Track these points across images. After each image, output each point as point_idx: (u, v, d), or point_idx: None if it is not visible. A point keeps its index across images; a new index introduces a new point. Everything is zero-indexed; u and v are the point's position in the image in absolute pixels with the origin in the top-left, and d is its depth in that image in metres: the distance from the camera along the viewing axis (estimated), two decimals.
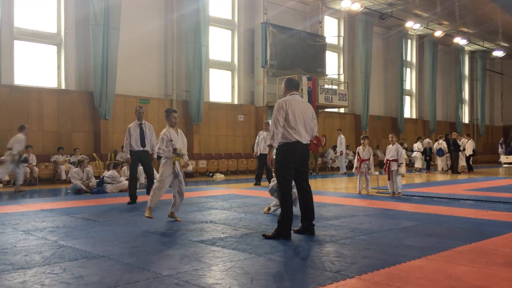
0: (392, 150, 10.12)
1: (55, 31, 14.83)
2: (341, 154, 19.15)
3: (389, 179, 10.08)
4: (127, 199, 8.85)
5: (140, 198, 8.98)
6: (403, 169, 10.13)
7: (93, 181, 11.16)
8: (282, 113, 5.42)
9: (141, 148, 8.87)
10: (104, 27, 14.60)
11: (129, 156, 8.82)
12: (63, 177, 13.60)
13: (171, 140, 6.57)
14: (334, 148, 21.15)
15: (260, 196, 9.81)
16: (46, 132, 14.27)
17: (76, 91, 14.93)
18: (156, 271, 3.95)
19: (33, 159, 13.32)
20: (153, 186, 6.58)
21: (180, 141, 6.72)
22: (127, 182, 11.29)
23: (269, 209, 7.39)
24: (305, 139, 5.53)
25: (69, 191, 11.10)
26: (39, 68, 14.61)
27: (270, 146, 5.53)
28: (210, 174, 16.92)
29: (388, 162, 10.10)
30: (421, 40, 28.18)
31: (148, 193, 8.59)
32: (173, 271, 3.95)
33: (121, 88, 15.37)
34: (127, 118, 14.97)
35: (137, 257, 4.47)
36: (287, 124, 5.42)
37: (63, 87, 14.82)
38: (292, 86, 5.71)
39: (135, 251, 4.71)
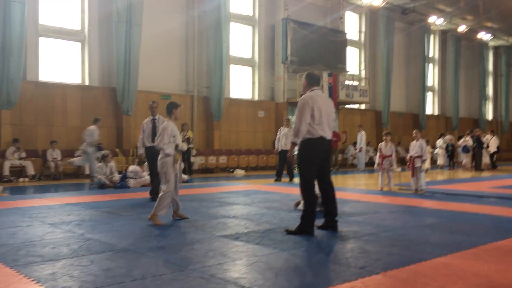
0: (416, 147, 9.98)
1: (79, 28, 15.05)
2: (360, 150, 19.00)
3: (412, 176, 9.96)
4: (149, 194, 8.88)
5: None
6: (427, 164, 9.99)
7: (116, 176, 11.32)
8: (308, 110, 5.39)
9: (152, 144, 8.26)
10: (126, 24, 14.77)
11: (141, 152, 8.60)
12: (87, 172, 13.80)
13: (174, 136, 6.13)
14: (355, 144, 21.02)
15: (281, 192, 9.81)
16: (70, 127, 14.50)
17: (99, 87, 15.14)
18: (181, 264, 3.99)
19: (57, 154, 13.57)
20: (162, 192, 6.08)
21: (178, 136, 6.29)
22: (149, 177, 11.44)
23: (298, 203, 7.28)
24: (328, 135, 5.52)
25: (92, 186, 11.28)
26: (63, 65, 14.85)
27: (293, 144, 5.55)
28: (231, 170, 16.98)
29: (412, 158, 9.98)
30: (444, 35, 27.74)
31: (152, 194, 8.43)
32: (198, 265, 3.99)
33: (143, 84, 15.53)
34: (148, 114, 14.96)
35: (162, 251, 4.52)
36: (313, 120, 5.39)
37: (86, 83, 15.04)
38: (313, 81, 5.67)
39: (160, 245, 4.77)
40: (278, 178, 12.82)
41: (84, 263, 4.06)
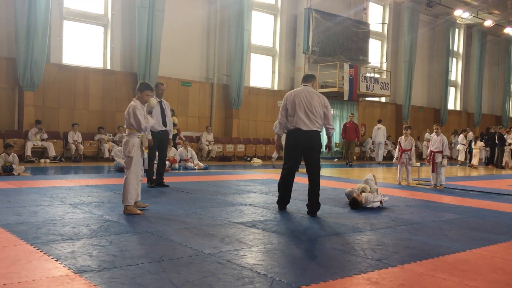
0: (437, 141, 9.85)
1: (102, 12, 15.16)
2: (372, 144, 19.35)
3: (433, 171, 9.83)
4: (167, 179, 8.89)
5: (167, 179, 8.72)
6: (445, 160, 9.86)
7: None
8: (284, 104, 6.18)
9: (163, 128, 8.22)
10: (149, 9, 14.81)
11: (150, 137, 7.83)
12: (106, 155, 14.00)
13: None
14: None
15: (298, 182, 9.78)
16: (91, 111, 14.68)
17: (121, 71, 15.26)
18: (198, 249, 4.03)
19: (78, 136, 13.77)
20: (130, 177, 5.60)
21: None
22: (167, 162, 11.53)
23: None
24: (306, 126, 5.99)
25: (112, 169, 11.42)
26: (86, 48, 15.00)
27: (277, 134, 6.51)
28: (248, 159, 17.01)
29: (433, 153, 9.84)
30: (470, 30, 27.20)
31: (155, 179, 8.28)
32: (215, 250, 4.01)
33: (163, 70, 15.60)
34: (168, 100, 15.13)
35: (179, 235, 4.56)
36: (286, 113, 6.14)
37: (108, 67, 15.18)
38: (304, 80, 6.38)
39: (177, 229, 4.81)
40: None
41: (103, 243, 4.12)
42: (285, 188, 6.27)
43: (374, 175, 7.38)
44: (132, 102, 5.81)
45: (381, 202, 6.81)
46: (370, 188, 6.98)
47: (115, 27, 15.16)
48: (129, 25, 15.22)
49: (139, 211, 5.61)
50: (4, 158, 9.64)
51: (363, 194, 6.72)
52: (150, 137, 7.82)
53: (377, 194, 6.86)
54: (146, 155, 5.90)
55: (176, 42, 16.12)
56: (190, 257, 3.75)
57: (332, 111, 20.50)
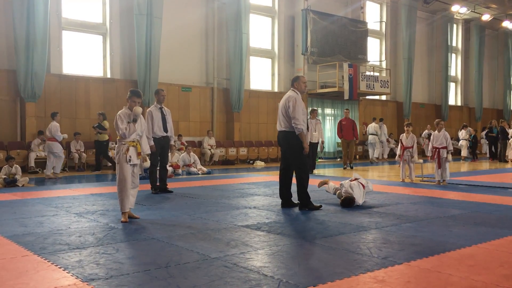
0: (440, 137, 9.84)
1: (100, 21, 15.21)
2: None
3: (439, 167, 9.80)
4: (170, 185, 8.98)
5: (170, 185, 8.81)
6: (450, 155, 9.87)
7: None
8: None
9: (164, 134, 8.32)
10: (147, 16, 14.86)
11: (152, 144, 7.87)
12: (109, 163, 14.02)
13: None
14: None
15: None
16: (93, 119, 14.70)
17: (121, 79, 15.31)
18: (204, 253, 4.04)
19: (81, 146, 13.81)
20: (117, 184, 5.70)
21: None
22: (170, 168, 11.56)
23: (322, 183, 7.67)
24: (279, 126, 6.58)
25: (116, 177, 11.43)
26: (86, 58, 15.05)
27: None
28: (251, 162, 17.03)
29: (437, 149, 9.82)
30: (467, 24, 27.18)
31: (158, 185, 8.37)
32: (221, 254, 4.03)
33: (164, 77, 15.64)
34: (169, 105, 15.20)
35: (185, 240, 4.58)
36: None
37: (108, 75, 15.22)
38: (291, 84, 6.77)
39: (182, 235, 4.83)
40: (310, 171, 12.65)
41: (109, 251, 4.14)
42: (280, 186, 6.74)
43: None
44: (121, 110, 5.80)
45: (362, 185, 6.93)
46: (348, 181, 7.08)
47: (114, 36, 15.21)
48: (127, 33, 15.28)
49: (125, 220, 5.55)
50: (7, 170, 9.68)
51: (356, 184, 6.88)
52: (152, 143, 7.94)
53: (362, 178, 7.10)
54: (138, 161, 5.80)
55: (175, 48, 16.16)
56: (197, 262, 3.77)
57: (331, 111, 20.69)
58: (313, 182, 8.30)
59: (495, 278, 3.34)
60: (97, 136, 13.22)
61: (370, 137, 18.56)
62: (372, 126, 18.73)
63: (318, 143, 13.03)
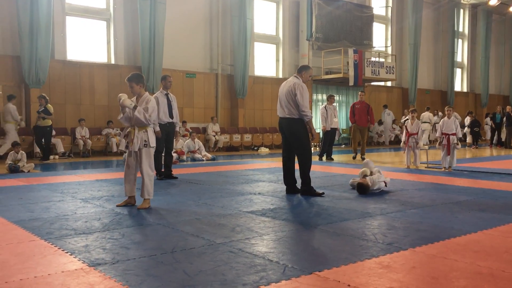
0: (450, 123, 9.78)
1: (104, 6, 15.13)
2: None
3: (448, 154, 9.76)
4: (175, 171, 9.01)
5: (175, 171, 8.82)
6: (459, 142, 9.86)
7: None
8: None
9: (170, 120, 8.32)
10: (151, 1, 14.76)
11: (158, 129, 7.74)
12: (114, 149, 14.08)
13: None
14: (380, 122, 20.78)
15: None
16: (97, 106, 14.73)
17: (125, 65, 15.26)
18: (210, 239, 4.06)
19: (86, 132, 13.84)
20: (149, 174, 5.59)
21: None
22: (175, 154, 11.58)
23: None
24: (281, 113, 6.56)
25: (121, 163, 11.48)
26: (90, 44, 15.00)
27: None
28: (255, 148, 17.03)
29: (447, 136, 9.75)
30: (474, 9, 26.87)
31: (163, 172, 8.39)
32: (226, 239, 4.04)
33: (168, 63, 15.59)
34: (173, 92, 15.13)
35: (191, 225, 4.60)
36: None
37: (112, 61, 15.18)
38: (297, 70, 6.73)
39: (188, 220, 4.85)
40: (329, 157, 12.60)
41: (115, 236, 4.16)
42: (284, 172, 6.76)
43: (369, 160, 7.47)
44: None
45: (385, 183, 6.81)
46: (371, 171, 6.97)
47: (118, 21, 15.14)
48: (131, 18, 15.19)
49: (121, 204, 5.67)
50: (13, 156, 9.72)
51: (368, 177, 6.72)
52: (158, 129, 7.90)
53: (380, 174, 6.89)
54: (131, 148, 5.59)
55: (179, 34, 16.08)
56: (202, 247, 3.78)
57: (336, 97, 20.55)
58: (326, 169, 8.32)
59: (500, 264, 3.33)
60: (40, 121, 12.09)
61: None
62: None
63: (337, 128, 12.97)
